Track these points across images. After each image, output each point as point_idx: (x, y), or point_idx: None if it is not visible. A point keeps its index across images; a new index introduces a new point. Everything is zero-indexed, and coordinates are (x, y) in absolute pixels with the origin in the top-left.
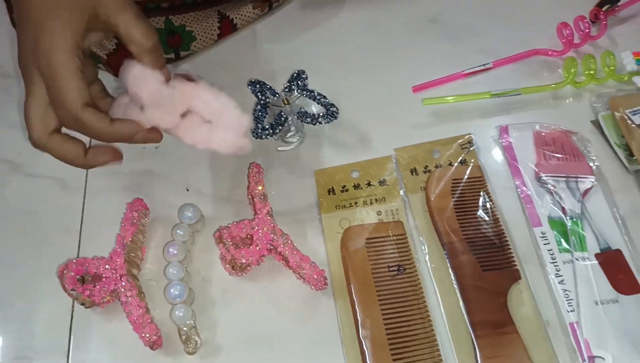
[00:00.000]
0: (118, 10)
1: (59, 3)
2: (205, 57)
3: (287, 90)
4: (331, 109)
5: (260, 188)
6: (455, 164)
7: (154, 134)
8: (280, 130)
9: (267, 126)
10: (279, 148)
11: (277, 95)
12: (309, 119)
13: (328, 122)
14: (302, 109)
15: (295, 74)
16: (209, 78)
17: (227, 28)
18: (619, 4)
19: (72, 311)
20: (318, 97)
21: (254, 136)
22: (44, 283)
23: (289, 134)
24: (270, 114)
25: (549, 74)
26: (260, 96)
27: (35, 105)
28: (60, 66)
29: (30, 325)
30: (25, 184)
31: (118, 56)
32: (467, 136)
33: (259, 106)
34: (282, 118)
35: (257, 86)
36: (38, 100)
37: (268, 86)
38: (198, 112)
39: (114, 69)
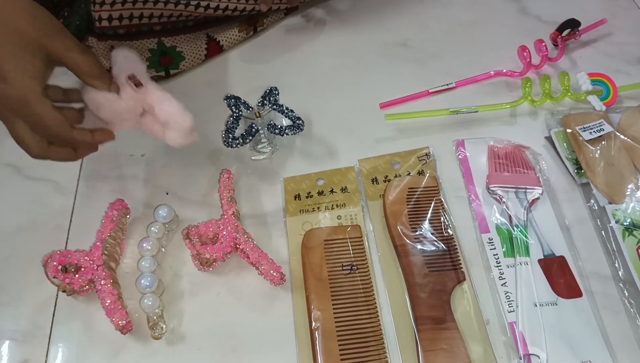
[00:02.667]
0: (66, 50)
1: (15, 50)
2: (194, 75)
3: (259, 104)
4: (297, 121)
5: (228, 191)
6: (412, 174)
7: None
8: (250, 140)
9: (237, 136)
10: (253, 158)
11: (250, 109)
12: (277, 131)
13: (294, 134)
14: (272, 122)
15: (268, 91)
16: (197, 94)
17: (214, 49)
18: (578, 29)
19: (56, 298)
20: (286, 111)
21: (225, 145)
22: (33, 273)
23: (261, 145)
24: (245, 126)
25: (510, 95)
26: (234, 109)
27: (22, 131)
28: (33, 102)
29: (19, 309)
30: (24, 185)
31: None
32: (424, 149)
33: (231, 118)
34: (253, 129)
35: (232, 100)
36: (22, 127)
37: (242, 101)
38: (151, 114)
39: None
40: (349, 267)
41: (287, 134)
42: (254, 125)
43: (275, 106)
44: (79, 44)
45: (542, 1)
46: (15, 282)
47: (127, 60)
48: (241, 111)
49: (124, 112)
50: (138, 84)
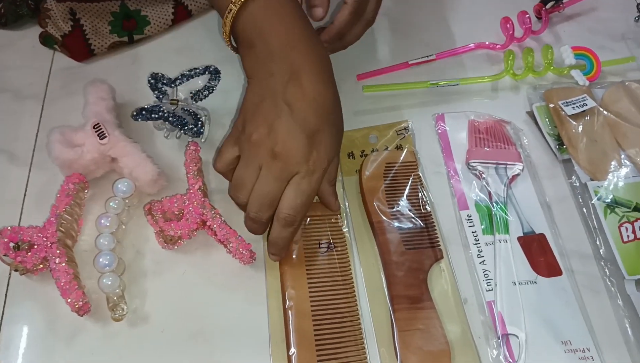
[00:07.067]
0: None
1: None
2: (160, 42)
3: (192, 94)
4: (194, 128)
5: (194, 164)
6: (390, 148)
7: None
8: (153, 120)
9: (143, 111)
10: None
11: (172, 85)
12: (177, 124)
13: (189, 135)
14: (178, 112)
15: (205, 70)
16: (164, 62)
17: (182, 14)
18: (562, 1)
19: (9, 278)
20: (196, 112)
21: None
22: None
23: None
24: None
25: (492, 68)
26: (155, 93)
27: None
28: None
29: None
30: None
31: (73, 37)
32: (403, 123)
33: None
34: (153, 114)
35: (152, 81)
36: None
37: (166, 80)
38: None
39: (69, 50)
40: (326, 245)
41: (184, 133)
42: (161, 110)
43: (196, 98)
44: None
45: None
46: None
47: (97, 102)
48: (162, 93)
49: (90, 165)
50: (102, 136)
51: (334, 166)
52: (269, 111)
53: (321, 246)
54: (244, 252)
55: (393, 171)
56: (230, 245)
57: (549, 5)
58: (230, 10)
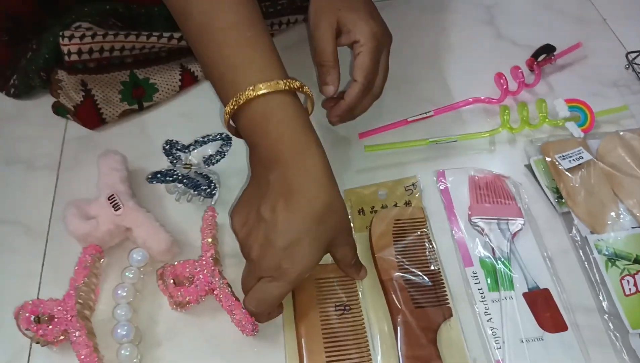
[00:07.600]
0: (344, 245)
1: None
2: (168, 107)
3: (205, 158)
4: (207, 189)
5: (210, 231)
6: (399, 205)
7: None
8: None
9: (158, 174)
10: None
11: (187, 151)
12: (190, 187)
13: (205, 196)
14: (192, 176)
15: (217, 138)
16: (172, 127)
17: (189, 80)
18: (554, 54)
19: (30, 349)
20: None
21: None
22: (5, 323)
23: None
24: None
25: (489, 121)
26: (170, 158)
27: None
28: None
29: None
30: None
31: (85, 107)
32: (412, 179)
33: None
34: (168, 177)
35: (167, 146)
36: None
37: (180, 146)
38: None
39: (81, 119)
40: (342, 308)
41: (198, 194)
42: (175, 173)
43: (208, 163)
44: (351, 235)
45: (517, 26)
46: None
47: (111, 173)
48: (176, 158)
49: (106, 236)
50: (116, 207)
51: (346, 250)
52: (251, 216)
53: (337, 308)
54: (245, 325)
55: (402, 228)
56: (234, 316)
57: (540, 59)
58: (225, 117)
